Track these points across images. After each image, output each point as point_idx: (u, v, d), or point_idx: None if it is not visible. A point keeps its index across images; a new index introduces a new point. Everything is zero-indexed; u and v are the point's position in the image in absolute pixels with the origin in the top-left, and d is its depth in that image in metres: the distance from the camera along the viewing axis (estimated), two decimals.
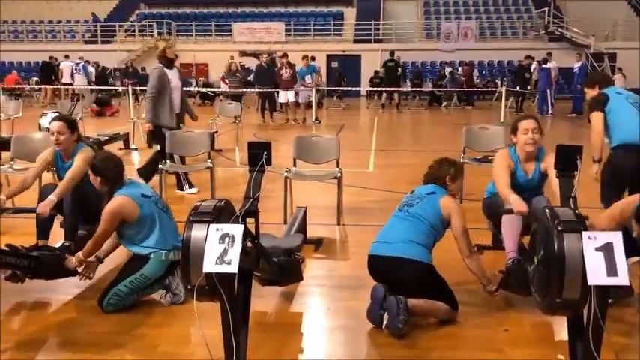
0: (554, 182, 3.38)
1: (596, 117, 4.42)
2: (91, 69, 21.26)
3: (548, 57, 17.68)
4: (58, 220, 4.26)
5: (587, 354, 2.35)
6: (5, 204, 4.04)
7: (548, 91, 16.44)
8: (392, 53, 18.51)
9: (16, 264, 3.40)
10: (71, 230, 3.99)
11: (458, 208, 3.50)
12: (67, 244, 3.96)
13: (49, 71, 20.24)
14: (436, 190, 3.59)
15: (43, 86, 19.75)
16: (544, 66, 16.85)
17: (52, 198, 3.91)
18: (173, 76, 6.62)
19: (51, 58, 20.90)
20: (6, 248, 3.49)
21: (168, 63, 6.66)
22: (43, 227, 4.12)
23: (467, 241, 3.45)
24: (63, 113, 8.09)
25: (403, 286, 3.28)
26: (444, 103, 19.55)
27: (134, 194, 3.56)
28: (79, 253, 3.63)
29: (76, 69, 19.08)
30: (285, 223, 5.09)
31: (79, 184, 4.05)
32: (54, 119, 4.32)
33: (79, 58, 19.58)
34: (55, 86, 19.32)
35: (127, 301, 3.56)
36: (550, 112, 16.11)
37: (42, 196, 4.11)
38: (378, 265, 3.41)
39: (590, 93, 4.71)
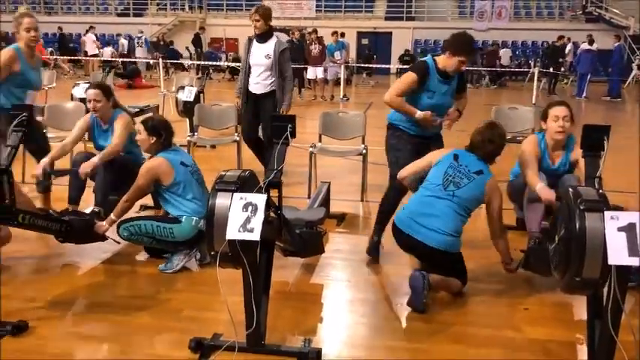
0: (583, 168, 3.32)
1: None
2: (124, 41, 21.57)
3: (588, 38, 17.17)
4: (89, 186, 4.38)
5: (605, 334, 2.35)
6: (48, 167, 4.17)
7: (589, 74, 15.98)
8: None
9: (47, 227, 3.52)
10: (102, 195, 4.11)
11: (499, 191, 3.42)
12: (96, 209, 4.07)
13: (65, 43, 20.93)
14: (484, 168, 3.42)
15: (81, 58, 20.11)
16: (589, 48, 16.29)
17: (96, 161, 4.06)
18: (259, 50, 5.63)
19: (60, 28, 21.39)
20: (38, 212, 3.61)
21: (257, 36, 5.65)
22: (77, 192, 4.27)
23: (500, 224, 3.45)
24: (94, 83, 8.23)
25: (425, 265, 3.33)
26: (476, 85, 19.25)
27: (173, 159, 3.75)
28: (111, 215, 3.77)
29: (138, 42, 20.26)
30: (309, 197, 5.13)
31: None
32: (90, 87, 4.46)
33: (140, 32, 20.19)
34: (89, 58, 19.59)
35: (142, 239, 3.72)
36: (585, 95, 15.73)
37: (74, 165, 4.28)
38: (406, 241, 3.38)
39: None
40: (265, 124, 5.65)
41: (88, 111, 4.46)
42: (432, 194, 3.37)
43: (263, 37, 5.64)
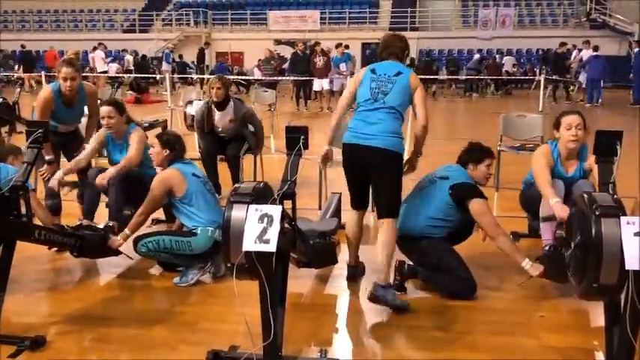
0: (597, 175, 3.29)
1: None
2: (129, 57, 21.76)
3: (586, 45, 17.16)
4: (102, 201, 4.41)
5: (624, 340, 2.35)
6: (64, 179, 4.23)
7: (601, 80, 16.01)
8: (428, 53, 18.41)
9: (62, 242, 3.55)
10: (116, 209, 4.13)
11: (420, 82, 3.55)
12: (110, 224, 4.09)
13: (29, 59, 21.33)
14: (401, 69, 3.55)
15: (89, 75, 20.25)
16: (598, 54, 16.32)
17: (112, 171, 4.12)
18: (221, 116, 5.74)
19: (23, 46, 22.13)
20: (53, 227, 3.64)
21: (215, 104, 5.69)
22: (91, 206, 4.32)
23: (424, 112, 3.51)
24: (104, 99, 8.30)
25: (370, 169, 3.51)
26: (482, 93, 19.25)
27: (185, 170, 3.81)
28: (125, 229, 3.78)
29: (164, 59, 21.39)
30: (319, 208, 5.14)
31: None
32: (102, 103, 4.51)
33: (167, 48, 20.73)
34: (97, 74, 19.72)
35: (160, 255, 3.77)
36: (600, 101, 15.75)
37: (89, 179, 4.31)
38: (353, 155, 3.57)
39: None
40: (230, 141, 5.85)
41: (100, 127, 4.50)
42: (367, 109, 3.51)
43: (222, 104, 5.70)
